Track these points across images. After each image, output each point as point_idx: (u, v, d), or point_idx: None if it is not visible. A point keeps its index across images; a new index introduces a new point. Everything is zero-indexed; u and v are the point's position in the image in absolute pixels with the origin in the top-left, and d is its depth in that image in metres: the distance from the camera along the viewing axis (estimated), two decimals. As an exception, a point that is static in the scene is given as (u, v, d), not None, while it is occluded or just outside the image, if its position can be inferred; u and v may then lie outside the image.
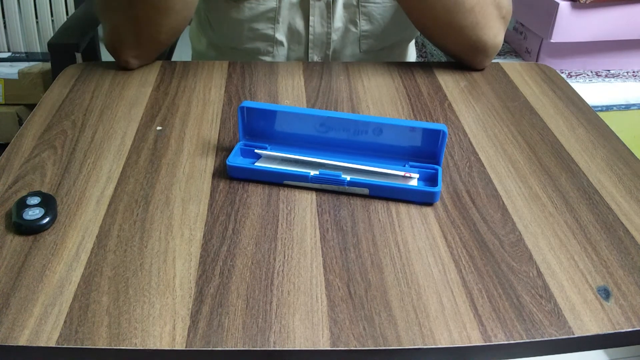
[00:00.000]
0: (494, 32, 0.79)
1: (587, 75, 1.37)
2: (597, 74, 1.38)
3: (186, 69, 0.81)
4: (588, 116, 0.72)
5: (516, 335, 0.43)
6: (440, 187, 0.56)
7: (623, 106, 1.33)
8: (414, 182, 0.58)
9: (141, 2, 0.74)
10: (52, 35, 1.50)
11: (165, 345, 0.41)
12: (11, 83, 1.41)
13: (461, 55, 0.82)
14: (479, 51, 0.80)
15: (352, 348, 0.42)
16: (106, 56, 0.81)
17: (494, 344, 0.43)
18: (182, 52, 1.28)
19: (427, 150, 0.60)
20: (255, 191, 0.57)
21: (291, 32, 0.89)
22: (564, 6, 1.25)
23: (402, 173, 0.58)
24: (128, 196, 0.56)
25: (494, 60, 0.86)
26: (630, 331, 0.44)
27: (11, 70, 1.42)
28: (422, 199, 0.56)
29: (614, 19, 1.28)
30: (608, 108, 1.32)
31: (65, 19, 1.54)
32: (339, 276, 0.48)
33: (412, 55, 1.04)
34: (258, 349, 0.42)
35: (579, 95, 0.77)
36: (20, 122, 1.42)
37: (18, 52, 1.57)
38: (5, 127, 1.42)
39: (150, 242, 0.50)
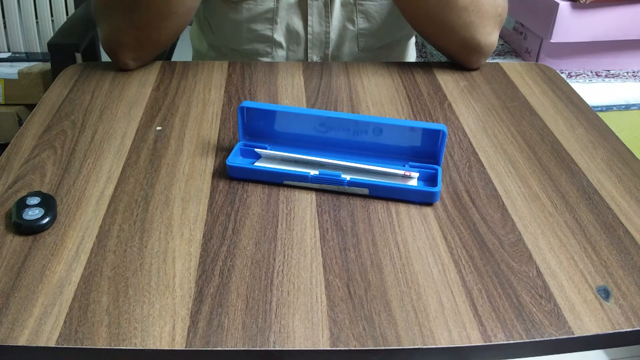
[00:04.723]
0: (488, 30, 0.79)
1: (587, 75, 1.37)
2: (597, 74, 1.38)
3: (186, 69, 0.81)
4: (588, 116, 0.72)
5: (516, 335, 0.43)
6: (440, 187, 0.56)
7: (623, 106, 1.33)
8: (413, 182, 0.58)
9: (143, 6, 0.74)
10: (52, 35, 1.50)
11: (165, 345, 0.41)
12: (11, 83, 1.41)
13: (456, 54, 0.82)
14: (474, 50, 0.80)
15: (352, 348, 0.42)
16: (106, 56, 0.81)
17: (494, 344, 0.43)
18: (182, 52, 1.28)
19: (427, 150, 0.60)
20: (255, 191, 0.57)
21: (289, 32, 0.89)
22: (564, 6, 1.25)
23: (402, 172, 0.58)
24: (128, 196, 0.56)
25: (494, 60, 0.86)
26: (630, 331, 0.44)
27: (11, 70, 1.42)
28: (422, 199, 0.56)
29: (614, 19, 1.28)
30: (608, 108, 1.32)
31: (65, 19, 1.54)
32: (338, 276, 0.48)
33: (412, 55, 1.04)
34: (258, 349, 0.42)
35: (579, 95, 0.77)
36: (20, 122, 1.42)
37: (18, 52, 1.57)
38: (5, 127, 1.42)
39: (150, 242, 0.50)
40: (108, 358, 0.42)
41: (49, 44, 1.28)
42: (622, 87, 1.34)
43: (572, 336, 0.43)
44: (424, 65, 0.85)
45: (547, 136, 0.68)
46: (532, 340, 0.43)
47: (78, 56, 1.28)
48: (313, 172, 0.57)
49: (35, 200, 0.53)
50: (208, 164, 0.61)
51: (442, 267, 0.49)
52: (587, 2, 1.23)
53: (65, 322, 0.43)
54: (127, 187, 0.57)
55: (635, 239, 0.53)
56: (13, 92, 1.42)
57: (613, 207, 0.57)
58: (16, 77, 1.41)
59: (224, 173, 0.60)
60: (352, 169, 0.59)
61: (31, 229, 0.51)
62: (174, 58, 1.13)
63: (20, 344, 0.41)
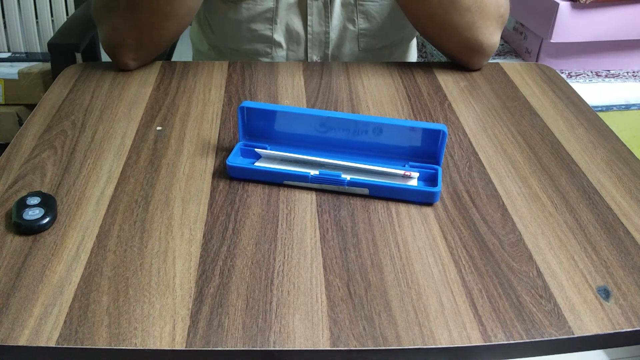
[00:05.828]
0: (491, 31, 0.79)
1: (587, 75, 1.37)
2: (597, 74, 1.38)
3: (186, 69, 0.81)
4: (588, 116, 0.72)
5: (516, 335, 0.43)
6: (440, 187, 0.56)
7: (623, 106, 1.33)
8: (413, 182, 0.58)
9: (144, 7, 0.74)
10: (52, 35, 1.50)
11: (165, 346, 0.41)
12: (11, 83, 1.41)
13: (458, 55, 0.82)
14: (476, 51, 0.80)
15: (352, 348, 0.42)
16: (106, 56, 0.81)
17: (494, 344, 0.43)
18: (182, 52, 1.28)
19: (427, 150, 0.60)
20: (255, 191, 0.57)
21: (289, 32, 0.89)
22: (564, 6, 1.25)
23: (402, 172, 0.58)
24: (128, 196, 0.56)
25: (494, 61, 0.86)
26: (630, 331, 0.44)
27: (11, 70, 1.42)
28: (422, 199, 0.56)
29: (614, 19, 1.28)
30: (608, 108, 1.32)
31: (65, 19, 1.54)
32: (339, 276, 0.48)
33: (412, 55, 1.04)
34: (258, 349, 0.42)
35: (579, 95, 0.78)
36: (20, 122, 1.42)
37: (18, 52, 1.57)
38: (5, 127, 1.42)
39: (150, 242, 0.50)
40: (108, 358, 0.42)
41: (49, 44, 1.28)
42: (622, 87, 1.34)
43: (572, 336, 0.43)
44: (424, 65, 0.85)
45: (547, 136, 0.68)
46: (532, 340, 0.43)
47: (78, 56, 1.29)
48: (313, 172, 0.57)
49: (35, 200, 0.53)
50: (208, 164, 0.61)
51: (442, 267, 0.49)
52: (587, 2, 1.23)
53: (65, 322, 0.43)
54: (127, 187, 0.57)
55: (635, 239, 0.53)
56: (13, 92, 1.42)
57: (613, 207, 0.57)
58: (16, 77, 1.41)
59: (224, 173, 0.60)
60: (352, 169, 0.59)
61: (31, 229, 0.51)
62: (174, 58, 1.13)
63: (20, 344, 0.41)
